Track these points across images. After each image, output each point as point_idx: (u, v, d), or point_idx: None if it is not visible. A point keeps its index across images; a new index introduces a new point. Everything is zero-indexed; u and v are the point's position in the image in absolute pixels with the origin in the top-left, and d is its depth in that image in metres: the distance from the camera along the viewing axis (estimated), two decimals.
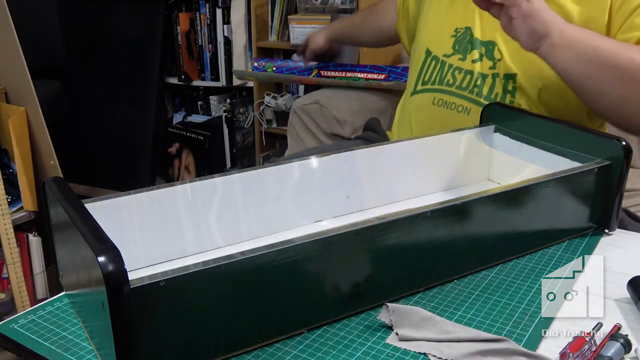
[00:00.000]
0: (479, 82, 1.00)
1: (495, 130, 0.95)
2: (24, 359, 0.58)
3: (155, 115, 2.63)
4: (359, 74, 1.71)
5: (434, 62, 1.05)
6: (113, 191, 0.89)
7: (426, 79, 1.06)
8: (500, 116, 0.94)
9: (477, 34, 1.01)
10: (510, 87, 0.98)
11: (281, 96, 2.57)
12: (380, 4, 1.40)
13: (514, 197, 0.72)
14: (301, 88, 2.58)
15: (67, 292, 0.66)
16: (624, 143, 0.78)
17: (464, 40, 1.02)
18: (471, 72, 1.01)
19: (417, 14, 1.17)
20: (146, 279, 0.50)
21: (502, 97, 0.99)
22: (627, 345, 0.56)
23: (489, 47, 1.00)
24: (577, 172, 0.77)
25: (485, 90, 0.99)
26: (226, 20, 2.59)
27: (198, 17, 2.65)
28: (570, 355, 0.56)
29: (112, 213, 0.68)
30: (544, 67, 0.90)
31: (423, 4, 1.14)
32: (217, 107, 2.78)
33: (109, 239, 0.50)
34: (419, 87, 1.07)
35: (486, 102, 0.98)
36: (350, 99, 1.67)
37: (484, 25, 1.01)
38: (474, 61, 1.01)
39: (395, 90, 1.66)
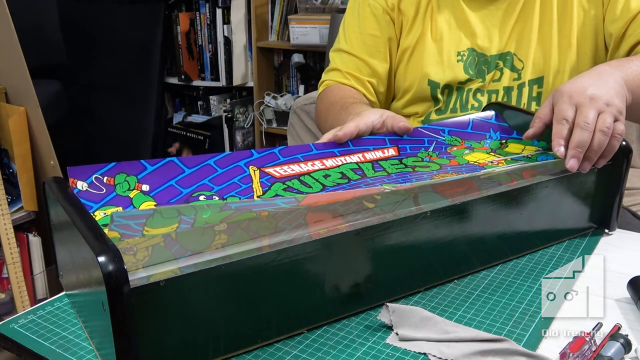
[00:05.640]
0: (505, 99, 0.99)
1: None
2: (24, 359, 0.58)
3: (155, 115, 2.63)
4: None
5: (447, 90, 1.02)
6: None
7: (442, 107, 1.03)
8: None
9: (485, 50, 0.99)
10: (534, 94, 0.98)
11: (281, 96, 2.57)
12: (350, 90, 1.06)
13: (514, 197, 0.72)
14: (301, 88, 2.58)
15: (67, 292, 0.66)
16: (624, 143, 0.78)
17: (474, 63, 1.00)
18: (496, 91, 1.00)
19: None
20: (146, 279, 0.50)
21: (527, 106, 0.98)
22: (627, 345, 0.56)
23: (506, 58, 0.99)
24: (577, 172, 0.77)
25: (512, 103, 0.99)
26: (226, 20, 2.59)
27: (198, 17, 2.65)
28: (570, 355, 0.56)
29: None
30: (574, 64, 0.92)
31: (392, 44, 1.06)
32: (217, 107, 2.78)
33: (109, 239, 0.50)
34: (434, 117, 1.04)
35: None
36: None
37: (489, 39, 0.99)
38: (495, 80, 1.00)
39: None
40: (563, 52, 0.96)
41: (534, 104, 0.99)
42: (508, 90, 0.99)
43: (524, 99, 0.99)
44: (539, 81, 0.98)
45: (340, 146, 0.77)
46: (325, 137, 0.77)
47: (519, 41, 0.98)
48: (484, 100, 1.00)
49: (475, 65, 1.00)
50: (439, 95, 1.02)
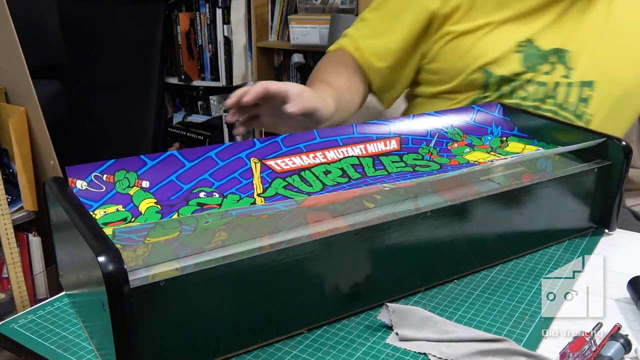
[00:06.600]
0: (552, 92, 0.99)
1: None
2: (24, 359, 0.58)
3: (155, 115, 2.63)
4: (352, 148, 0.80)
5: (500, 81, 1.00)
6: None
7: (492, 98, 1.01)
8: None
9: (542, 43, 0.98)
10: (585, 95, 0.98)
11: None
12: (348, 59, 1.06)
13: (514, 197, 0.72)
14: None
15: (67, 292, 0.66)
16: (624, 143, 0.78)
17: (533, 55, 0.98)
18: (544, 84, 0.99)
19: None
20: (146, 279, 0.50)
21: (575, 105, 0.98)
22: (627, 345, 0.56)
23: (560, 54, 0.98)
24: (577, 172, 0.77)
25: (559, 99, 0.99)
26: (226, 20, 2.59)
27: (198, 17, 2.65)
28: (570, 355, 0.56)
29: None
30: (624, 74, 0.92)
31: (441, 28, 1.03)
32: (217, 107, 2.78)
33: (109, 239, 0.50)
34: (479, 104, 1.02)
35: (563, 112, 0.97)
36: None
37: (548, 34, 0.99)
38: (546, 73, 0.99)
39: None
40: (622, 62, 0.97)
41: (581, 105, 0.98)
42: (557, 85, 0.98)
43: (572, 98, 0.98)
44: (589, 84, 0.98)
45: (344, 134, 0.77)
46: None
47: (578, 42, 0.98)
48: (532, 90, 0.99)
49: (531, 58, 0.99)
50: (491, 85, 1.01)
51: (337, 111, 0.93)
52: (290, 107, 0.79)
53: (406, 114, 1.15)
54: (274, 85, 0.80)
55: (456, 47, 1.01)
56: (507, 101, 0.99)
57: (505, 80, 1.00)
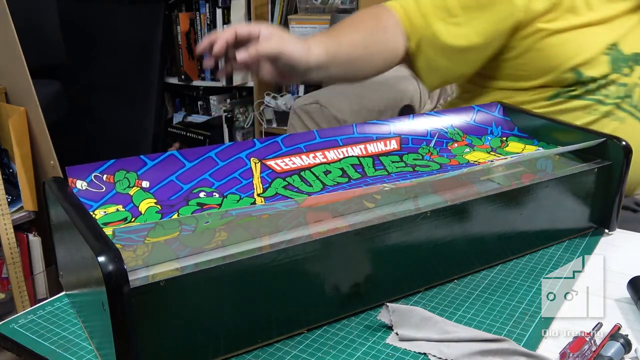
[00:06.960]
0: (630, 93, 1.00)
1: None
2: (24, 359, 0.58)
3: (155, 115, 2.63)
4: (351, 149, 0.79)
5: (587, 81, 1.00)
6: None
7: (578, 92, 1.01)
8: None
9: (624, 47, 0.99)
10: None
11: (281, 96, 2.57)
12: (384, 15, 1.00)
13: (514, 197, 0.72)
14: (301, 88, 2.58)
15: (67, 292, 0.66)
16: (624, 143, 0.78)
17: (618, 59, 1.00)
18: (625, 85, 1.00)
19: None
20: (146, 279, 0.50)
21: None
22: (627, 345, 0.56)
23: (638, 58, 1.00)
24: (577, 172, 0.77)
25: (635, 100, 1.00)
26: (226, 20, 2.59)
27: (198, 17, 2.65)
28: (570, 355, 0.56)
29: None
30: None
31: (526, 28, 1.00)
32: (217, 107, 2.78)
33: (109, 239, 0.50)
34: (559, 99, 1.02)
35: (638, 113, 0.98)
36: (350, 99, 1.67)
37: (630, 39, 1.00)
38: (626, 75, 1.00)
39: (395, 90, 1.66)
40: None
41: None
42: (635, 86, 1.00)
43: None
44: None
45: (344, 134, 0.77)
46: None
47: None
48: (614, 90, 1.00)
49: (617, 61, 1.00)
50: (578, 84, 1.00)
51: (335, 63, 0.90)
52: (241, 54, 0.76)
53: (467, 100, 1.12)
54: (243, 29, 0.79)
55: (549, 45, 1.00)
56: (590, 97, 0.99)
57: (594, 80, 1.00)
